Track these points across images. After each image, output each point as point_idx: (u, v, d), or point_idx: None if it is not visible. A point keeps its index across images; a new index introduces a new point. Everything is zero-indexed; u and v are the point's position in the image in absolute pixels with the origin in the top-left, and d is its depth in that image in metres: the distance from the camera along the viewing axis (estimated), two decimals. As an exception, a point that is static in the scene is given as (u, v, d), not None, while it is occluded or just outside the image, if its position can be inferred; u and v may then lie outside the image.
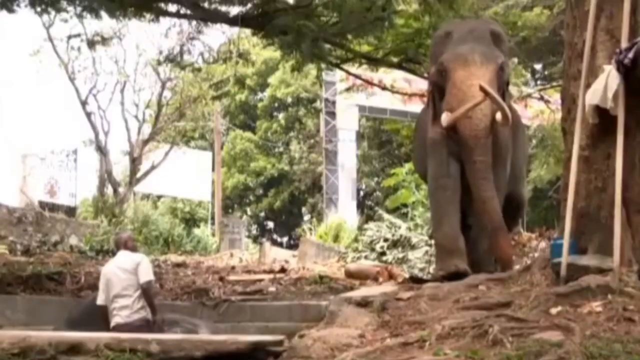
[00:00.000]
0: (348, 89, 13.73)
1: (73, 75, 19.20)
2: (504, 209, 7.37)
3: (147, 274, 6.11)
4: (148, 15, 10.33)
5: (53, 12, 9.95)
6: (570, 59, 5.54)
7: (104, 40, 15.82)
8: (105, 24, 14.27)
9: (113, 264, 6.40)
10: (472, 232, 7.68)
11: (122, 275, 6.12)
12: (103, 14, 9.72)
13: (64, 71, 19.08)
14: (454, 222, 7.32)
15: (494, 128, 7.28)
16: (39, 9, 9.76)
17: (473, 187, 7.11)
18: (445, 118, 7.12)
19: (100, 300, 6.25)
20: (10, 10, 9.08)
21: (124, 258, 6.27)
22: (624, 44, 4.97)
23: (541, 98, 14.56)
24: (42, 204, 17.18)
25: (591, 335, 3.82)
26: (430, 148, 7.58)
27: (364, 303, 5.23)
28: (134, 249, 6.44)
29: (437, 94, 7.57)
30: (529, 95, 14.91)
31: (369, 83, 12.40)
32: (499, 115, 7.04)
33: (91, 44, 15.37)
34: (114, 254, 11.33)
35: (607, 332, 3.89)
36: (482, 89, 6.77)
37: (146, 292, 6.09)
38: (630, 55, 4.83)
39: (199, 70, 15.53)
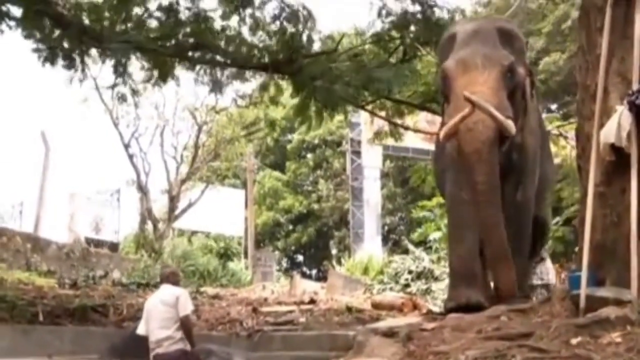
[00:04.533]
0: (376, 135, 13.63)
1: (117, 121, 19.67)
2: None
3: (185, 308, 6.11)
4: (185, 64, 10.56)
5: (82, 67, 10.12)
6: (583, 100, 5.52)
7: (135, 92, 16.15)
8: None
9: (156, 297, 6.43)
10: None
11: (163, 307, 6.14)
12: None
13: (108, 117, 19.55)
14: (470, 245, 6.52)
15: (522, 137, 6.52)
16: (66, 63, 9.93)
17: (476, 211, 6.18)
18: (443, 131, 6.25)
19: (140, 330, 6.27)
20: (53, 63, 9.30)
21: (165, 291, 6.30)
22: (635, 85, 4.97)
23: (560, 134, 14.42)
24: (88, 240, 17.42)
25: (612, 365, 3.74)
26: (448, 163, 6.80)
27: (390, 333, 5.16)
28: (176, 283, 6.44)
29: (446, 104, 6.65)
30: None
31: (393, 123, 12.44)
32: (511, 124, 6.00)
33: (133, 93, 15.72)
34: (155, 286, 11.48)
35: (627, 362, 3.80)
36: (467, 99, 5.87)
37: (184, 325, 6.09)
38: (642, 96, 4.82)
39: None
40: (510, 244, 6.67)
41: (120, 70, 9.74)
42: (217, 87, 11.48)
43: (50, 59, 9.16)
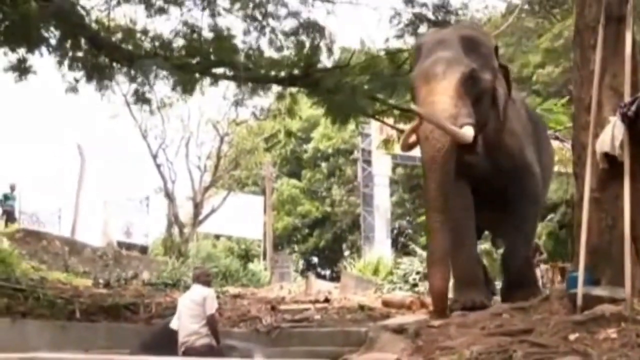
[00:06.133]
0: (385, 143, 13.52)
1: (145, 133, 19.83)
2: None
3: (211, 308, 6.15)
4: (208, 79, 10.62)
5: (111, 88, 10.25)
6: (579, 112, 5.52)
7: (165, 106, 16.24)
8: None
9: (187, 296, 6.49)
10: (503, 252, 6.88)
11: (191, 305, 6.19)
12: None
13: (138, 130, 19.73)
14: (469, 249, 6.46)
15: (500, 139, 6.38)
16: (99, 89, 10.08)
17: (426, 215, 6.17)
18: (400, 141, 6.22)
19: (173, 324, 6.33)
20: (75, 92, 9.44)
21: (195, 291, 6.35)
22: (627, 98, 4.95)
23: (556, 138, 14.26)
24: (120, 244, 17.55)
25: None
26: None
27: (399, 330, 5.16)
28: (206, 284, 6.46)
29: None
30: None
31: (401, 131, 12.35)
32: (468, 131, 5.79)
33: (160, 106, 15.82)
34: (180, 286, 11.53)
35: (622, 357, 3.77)
36: (413, 111, 5.86)
37: (210, 323, 6.12)
38: (633, 108, 4.83)
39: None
40: (512, 237, 6.68)
41: (142, 92, 9.83)
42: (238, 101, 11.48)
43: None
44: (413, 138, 6.14)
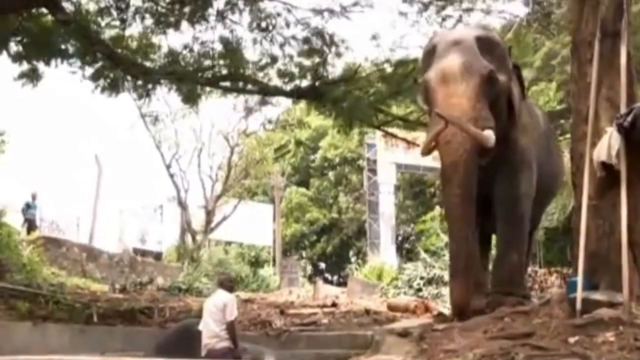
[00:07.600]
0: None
1: (159, 144, 19.93)
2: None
3: (231, 314, 6.15)
4: (218, 92, 10.64)
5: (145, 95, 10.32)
6: (577, 123, 5.52)
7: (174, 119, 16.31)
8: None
9: (211, 300, 6.51)
10: (497, 250, 6.49)
11: (213, 309, 6.21)
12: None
13: (152, 141, 19.84)
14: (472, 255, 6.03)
15: (514, 135, 6.10)
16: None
17: (448, 223, 5.82)
18: (421, 146, 5.94)
19: (200, 326, 6.34)
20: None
21: (218, 296, 6.36)
22: (623, 110, 4.96)
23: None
24: (135, 250, 17.62)
25: (606, 362, 3.70)
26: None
27: (404, 333, 5.16)
28: (228, 289, 6.45)
29: (429, 115, 6.25)
30: None
31: (406, 141, 12.34)
32: (491, 135, 5.47)
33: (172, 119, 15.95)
34: (191, 290, 11.56)
35: (620, 359, 3.75)
36: (438, 115, 5.47)
37: (229, 328, 6.13)
38: (629, 119, 4.83)
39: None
40: (504, 240, 6.37)
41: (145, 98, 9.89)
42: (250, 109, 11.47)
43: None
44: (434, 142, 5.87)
